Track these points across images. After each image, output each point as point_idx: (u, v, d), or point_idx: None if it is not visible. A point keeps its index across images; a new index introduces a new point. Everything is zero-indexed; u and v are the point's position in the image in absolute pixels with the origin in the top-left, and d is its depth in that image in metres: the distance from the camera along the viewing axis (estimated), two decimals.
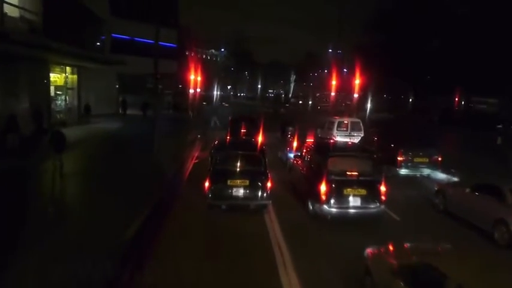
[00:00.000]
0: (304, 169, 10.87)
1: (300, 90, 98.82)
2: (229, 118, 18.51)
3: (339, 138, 19.25)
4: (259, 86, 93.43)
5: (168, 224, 9.09)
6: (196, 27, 74.77)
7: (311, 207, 9.45)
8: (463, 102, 44.37)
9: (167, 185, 11.71)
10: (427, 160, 13.36)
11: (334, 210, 8.79)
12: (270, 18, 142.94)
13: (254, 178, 9.96)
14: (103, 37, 29.13)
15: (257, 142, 12.62)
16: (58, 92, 24.51)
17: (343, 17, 55.68)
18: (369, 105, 33.84)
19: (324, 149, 10.44)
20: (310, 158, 10.70)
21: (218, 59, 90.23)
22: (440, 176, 13.25)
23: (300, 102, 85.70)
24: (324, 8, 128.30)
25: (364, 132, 19.43)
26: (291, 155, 14.10)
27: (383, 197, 8.94)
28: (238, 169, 10.29)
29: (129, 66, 35.14)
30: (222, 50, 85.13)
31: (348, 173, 9.08)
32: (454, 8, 43.07)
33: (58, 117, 24.61)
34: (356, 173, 9.08)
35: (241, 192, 9.85)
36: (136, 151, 16.47)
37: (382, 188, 8.98)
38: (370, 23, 47.49)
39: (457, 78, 40.82)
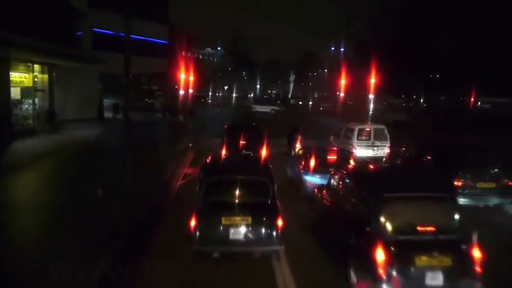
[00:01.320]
0: (337, 210, 7.30)
1: (299, 90, 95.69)
2: (225, 126, 14.95)
3: (360, 150, 15.77)
4: (258, 86, 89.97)
5: None
6: (191, 25, 71.44)
7: (356, 280, 5.88)
8: (479, 103, 41.09)
9: (132, 229, 8.15)
10: (494, 185, 9.83)
11: None
12: (267, 16, 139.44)
13: (259, 213, 6.94)
14: (79, 33, 25.45)
15: (261, 159, 9.15)
16: (25, 95, 20.90)
17: (348, 13, 52.51)
18: (374, 106, 30.64)
19: (371, 183, 6.78)
20: (346, 194, 7.13)
21: (215, 59, 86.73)
22: None
23: (300, 102, 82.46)
24: (323, 7, 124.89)
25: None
26: (309, 179, 10.57)
27: (477, 269, 5.40)
28: (236, 201, 7.21)
29: (114, 65, 31.72)
30: (219, 48, 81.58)
31: (419, 228, 5.53)
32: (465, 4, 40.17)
33: (25, 124, 21.04)
34: (432, 228, 5.53)
35: (241, 233, 6.79)
36: (106, 170, 12.86)
37: (476, 253, 5.44)
38: (376, 19, 44.46)
39: (470, 77, 37.99)
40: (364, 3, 52.53)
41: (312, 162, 10.70)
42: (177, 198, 10.95)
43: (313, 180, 10.52)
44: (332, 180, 8.04)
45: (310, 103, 78.99)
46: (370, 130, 16.01)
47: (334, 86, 75.33)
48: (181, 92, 24.14)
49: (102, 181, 11.50)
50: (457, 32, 39.29)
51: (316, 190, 9.23)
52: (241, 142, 13.60)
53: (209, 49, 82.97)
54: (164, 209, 9.96)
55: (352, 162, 10.91)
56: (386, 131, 16.11)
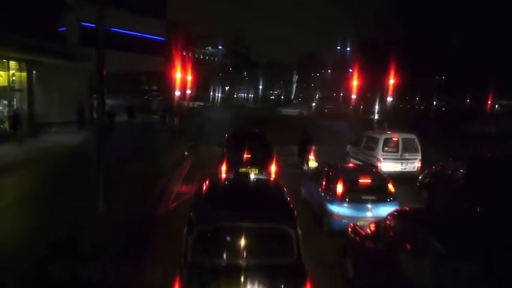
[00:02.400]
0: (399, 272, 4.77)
1: (300, 91, 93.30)
2: (226, 135, 12.42)
3: (386, 163, 13.25)
4: (261, 87, 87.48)
5: None
6: (191, 24, 69.12)
7: None
8: (496, 106, 38.62)
9: None
10: None
11: None
12: (267, 16, 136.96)
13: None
14: (62, 29, 22.92)
15: (277, 190, 6.40)
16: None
17: (355, 12, 50.08)
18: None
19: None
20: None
21: (216, 59, 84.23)
22: None
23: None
24: (323, 7, 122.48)
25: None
26: (336, 209, 8.07)
27: None
28: (242, 263, 4.66)
29: (106, 63, 29.21)
30: (220, 47, 78.92)
31: None
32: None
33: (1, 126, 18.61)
34: None
35: None
36: (75, 189, 10.34)
37: None
38: (385, 18, 42.12)
39: (486, 79, 35.70)
40: (373, 2, 50.36)
41: (340, 188, 8.17)
42: (162, 236, 8.26)
43: (342, 211, 8.02)
44: (383, 226, 5.52)
45: (313, 104, 76.50)
46: (398, 140, 13.47)
47: (338, 86, 73.21)
48: (177, 93, 21.61)
49: (65, 206, 9.05)
50: (471, 32, 37.12)
51: (351, 229, 6.72)
52: (245, 156, 11.06)
53: (209, 48, 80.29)
54: (139, 256, 7.27)
55: (391, 187, 8.38)
56: (417, 141, 13.59)
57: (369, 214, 8.00)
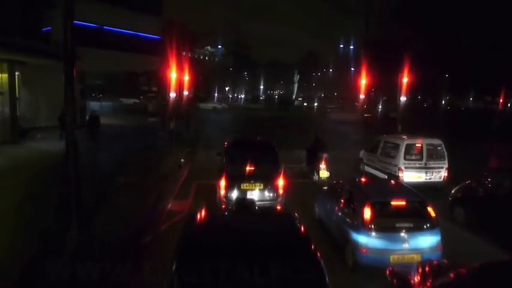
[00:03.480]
0: None
1: (301, 90, 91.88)
2: (225, 143, 10.76)
3: (409, 173, 11.60)
4: (262, 87, 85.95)
5: None
6: (190, 23, 67.60)
7: None
8: (509, 104, 36.90)
9: None
10: None
11: None
12: (268, 16, 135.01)
13: None
14: (45, 28, 21.25)
15: (296, 240, 4.33)
16: None
17: (359, 10, 48.51)
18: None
19: None
20: None
21: (216, 59, 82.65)
22: None
23: (305, 104, 78.48)
24: (323, 7, 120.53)
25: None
26: (363, 240, 6.43)
27: None
28: None
29: (98, 63, 27.53)
30: (219, 47, 77.22)
31: None
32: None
33: None
34: None
35: None
36: (48, 210, 8.69)
37: None
38: (391, 16, 40.52)
39: (499, 76, 34.10)
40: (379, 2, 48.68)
41: (368, 212, 6.50)
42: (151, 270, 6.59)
43: (370, 243, 6.37)
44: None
45: (316, 104, 74.90)
46: (421, 146, 11.81)
47: (341, 86, 71.57)
48: (172, 94, 19.95)
49: (32, 233, 7.44)
50: (483, 29, 35.56)
51: (392, 274, 5.05)
52: (248, 168, 9.39)
53: (209, 47, 78.56)
54: None
55: (431, 210, 6.70)
56: (443, 147, 11.92)
57: (405, 246, 6.37)
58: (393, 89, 36.09)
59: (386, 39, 39.77)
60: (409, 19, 36.18)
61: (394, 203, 6.77)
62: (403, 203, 6.77)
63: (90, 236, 7.37)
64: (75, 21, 24.62)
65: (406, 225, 6.53)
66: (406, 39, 34.93)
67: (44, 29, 21.05)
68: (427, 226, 6.59)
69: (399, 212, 6.71)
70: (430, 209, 6.75)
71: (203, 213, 5.02)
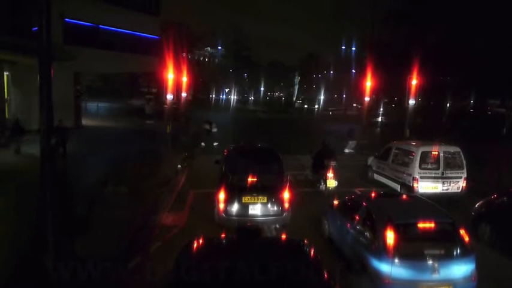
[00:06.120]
0: None
1: (301, 93, 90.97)
2: (225, 151, 9.80)
3: (424, 183, 10.65)
4: (262, 89, 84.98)
5: None
6: (189, 23, 66.75)
7: None
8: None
9: None
10: None
11: None
12: (268, 17, 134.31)
13: None
14: (34, 28, 20.25)
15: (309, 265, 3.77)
16: None
17: (365, 12, 47.52)
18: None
19: None
20: None
21: (216, 60, 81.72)
22: None
23: (306, 106, 77.58)
24: (323, 7, 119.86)
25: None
26: (387, 269, 5.49)
27: None
28: None
29: (93, 63, 26.59)
30: (219, 48, 76.17)
31: None
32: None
33: None
34: None
35: None
36: (26, 234, 7.74)
37: None
38: (397, 16, 39.49)
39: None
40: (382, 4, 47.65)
41: (391, 237, 5.55)
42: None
43: (395, 273, 5.40)
44: None
45: (316, 106, 74.00)
46: (438, 154, 10.86)
47: (343, 88, 70.61)
48: (170, 96, 19.01)
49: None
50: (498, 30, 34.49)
51: None
52: (249, 179, 8.43)
53: (209, 48, 77.53)
54: None
55: (464, 234, 5.76)
56: (461, 155, 10.97)
57: (434, 276, 5.41)
58: (399, 92, 35.14)
59: (392, 41, 38.75)
60: (418, 19, 35.17)
61: (421, 225, 5.80)
62: (432, 225, 5.81)
63: (67, 260, 6.39)
64: (68, 20, 23.47)
65: (436, 251, 5.58)
66: (414, 39, 33.94)
67: (34, 28, 20.13)
68: (459, 253, 5.64)
69: (427, 236, 5.77)
70: (462, 232, 5.80)
71: (200, 241, 4.28)
